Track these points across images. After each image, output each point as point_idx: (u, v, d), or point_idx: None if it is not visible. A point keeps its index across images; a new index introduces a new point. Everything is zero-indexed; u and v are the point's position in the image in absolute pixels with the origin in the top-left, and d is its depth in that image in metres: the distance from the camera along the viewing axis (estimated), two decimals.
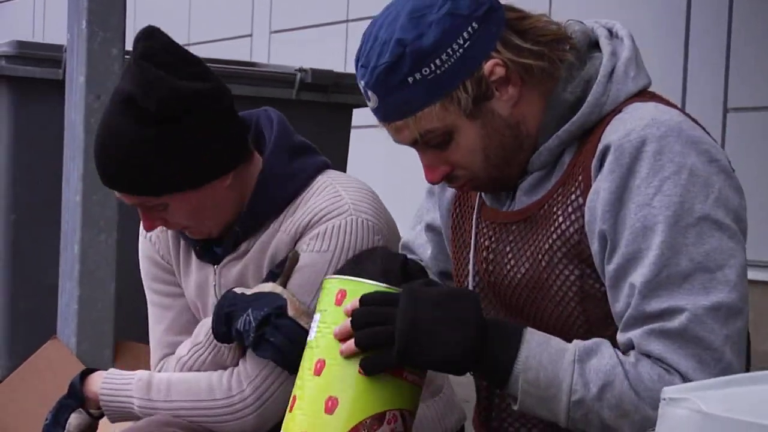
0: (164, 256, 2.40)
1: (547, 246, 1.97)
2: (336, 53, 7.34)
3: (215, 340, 2.24)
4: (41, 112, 4.02)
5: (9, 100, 4.01)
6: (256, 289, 2.21)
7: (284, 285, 2.20)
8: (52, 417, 2.32)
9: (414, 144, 1.99)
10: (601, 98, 1.96)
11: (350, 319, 1.85)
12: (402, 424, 1.87)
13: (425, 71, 1.90)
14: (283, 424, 1.90)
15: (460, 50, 1.91)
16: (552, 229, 1.97)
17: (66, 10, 3.75)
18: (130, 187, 2.19)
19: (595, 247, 1.91)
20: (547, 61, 1.95)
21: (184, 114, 2.14)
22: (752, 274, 4.24)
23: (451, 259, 2.25)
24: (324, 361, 1.87)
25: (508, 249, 2.04)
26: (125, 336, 3.76)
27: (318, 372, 1.87)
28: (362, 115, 4.27)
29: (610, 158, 1.88)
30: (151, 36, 2.19)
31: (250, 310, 2.15)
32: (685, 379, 1.80)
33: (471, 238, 2.12)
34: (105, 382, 2.31)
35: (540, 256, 1.98)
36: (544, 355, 1.85)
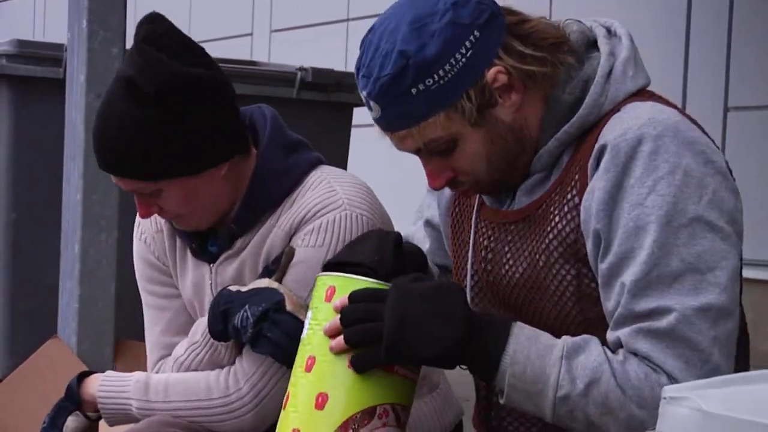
0: (160, 257, 2.40)
1: (544, 246, 1.98)
2: (336, 52, 7.34)
3: (212, 339, 2.24)
4: (41, 111, 4.02)
5: (9, 99, 4.01)
6: (251, 286, 2.20)
7: (280, 281, 2.19)
8: (49, 420, 2.31)
9: (417, 152, 1.99)
10: (599, 99, 1.96)
11: (339, 316, 1.85)
12: (394, 419, 1.87)
13: (428, 82, 1.90)
14: (278, 422, 1.91)
15: (463, 60, 1.90)
16: (549, 228, 1.97)
17: (66, 10, 3.75)
18: (126, 171, 2.19)
19: (589, 246, 1.91)
20: (549, 66, 1.94)
21: (184, 99, 2.14)
22: (752, 273, 4.25)
23: (448, 256, 2.26)
24: (314, 358, 1.87)
25: (506, 249, 2.05)
26: (126, 335, 3.76)
27: (309, 369, 1.88)
28: (363, 114, 4.27)
29: (606, 157, 1.88)
30: (154, 21, 2.20)
31: (247, 306, 2.15)
32: (671, 378, 1.80)
33: (470, 237, 2.13)
34: (102, 385, 2.30)
35: (537, 256, 1.98)
36: (532, 350, 1.85)
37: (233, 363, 2.25)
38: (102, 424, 2.36)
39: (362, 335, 1.83)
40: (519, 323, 1.88)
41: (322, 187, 2.25)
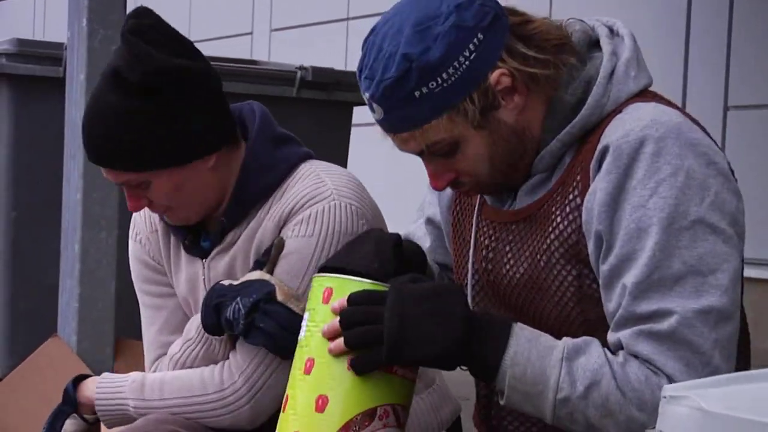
0: (154, 257, 2.41)
1: (545, 246, 1.97)
2: (337, 51, 7.34)
3: (206, 334, 2.24)
4: (42, 110, 4.02)
5: (9, 98, 4.01)
6: (243, 279, 2.21)
7: (271, 272, 2.20)
8: (48, 425, 2.33)
9: (420, 154, 1.99)
10: (602, 99, 1.95)
11: (338, 318, 1.85)
12: (394, 419, 1.87)
13: (432, 85, 1.90)
14: (278, 425, 1.91)
15: (467, 62, 1.90)
16: (550, 229, 1.97)
17: (66, 8, 3.75)
18: (115, 162, 2.20)
19: (591, 247, 1.91)
20: (552, 68, 1.94)
21: (171, 90, 2.15)
22: (752, 273, 4.25)
23: (449, 254, 2.26)
24: (313, 360, 1.87)
25: (507, 249, 2.04)
26: (126, 334, 3.75)
27: (308, 371, 1.87)
28: (363, 113, 4.27)
29: (608, 159, 1.88)
30: (141, 14, 2.21)
31: (238, 299, 2.15)
32: (671, 381, 1.79)
33: (471, 236, 2.12)
34: (99, 387, 2.31)
35: (538, 256, 1.98)
36: (532, 352, 1.85)
37: (228, 358, 2.25)
38: (104, 427, 2.36)
39: (362, 337, 1.83)
40: (519, 324, 1.88)
41: (311, 179, 2.25)
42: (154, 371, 2.36)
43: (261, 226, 2.26)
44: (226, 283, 2.22)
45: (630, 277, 1.84)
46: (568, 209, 1.95)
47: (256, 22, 8.54)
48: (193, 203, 2.26)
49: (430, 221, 2.32)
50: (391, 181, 6.54)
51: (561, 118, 1.97)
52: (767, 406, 1.37)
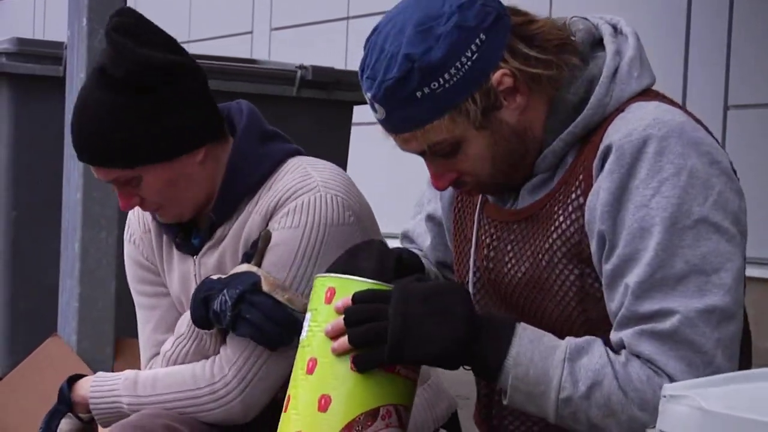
0: (148, 257, 2.43)
1: (547, 245, 1.97)
2: (337, 50, 7.34)
3: (197, 330, 2.25)
4: (42, 109, 4.02)
5: (9, 97, 4.01)
6: (231, 272, 2.23)
7: (259, 264, 2.22)
8: (45, 424, 2.34)
9: (422, 154, 1.99)
10: (604, 99, 1.95)
11: (342, 316, 1.84)
12: (397, 419, 1.86)
13: (434, 86, 1.89)
14: (279, 425, 1.90)
15: (469, 63, 1.89)
16: (552, 228, 1.97)
17: (66, 7, 3.75)
18: (103, 159, 2.22)
19: (593, 247, 1.91)
20: (554, 68, 1.93)
21: (155, 83, 2.18)
22: (752, 272, 4.25)
23: (450, 250, 2.26)
24: (316, 360, 1.87)
25: (509, 248, 2.04)
26: (125, 334, 3.75)
27: (310, 371, 1.87)
28: (363, 113, 4.27)
29: (611, 158, 1.87)
30: (123, 13, 2.24)
31: (225, 290, 2.17)
32: (673, 381, 1.79)
33: (472, 234, 2.12)
34: (94, 385, 2.32)
35: (540, 256, 1.98)
36: (535, 352, 1.85)
37: (219, 353, 2.26)
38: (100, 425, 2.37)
39: (366, 335, 1.83)
40: (523, 324, 1.88)
41: (298, 172, 2.27)
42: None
43: (249, 220, 2.28)
44: (215, 277, 2.23)
45: (633, 277, 1.84)
46: (570, 209, 1.95)
47: (256, 21, 8.54)
48: (183, 199, 2.28)
49: (430, 218, 2.32)
50: (392, 181, 6.54)
51: (563, 117, 1.97)
52: (767, 405, 1.37)
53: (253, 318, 2.15)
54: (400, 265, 1.94)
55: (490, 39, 1.90)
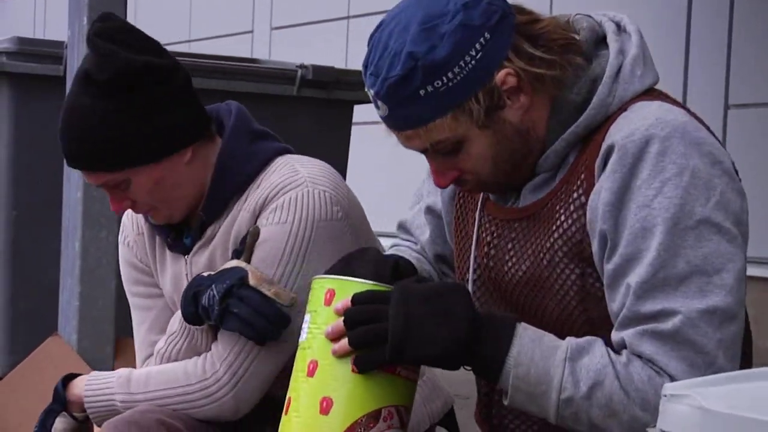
0: (142, 259, 2.45)
1: (548, 244, 1.97)
2: (337, 50, 7.34)
3: (188, 327, 2.27)
4: (42, 108, 4.02)
5: (9, 96, 4.01)
6: (220, 268, 2.24)
7: (248, 260, 2.24)
8: (40, 423, 2.36)
9: (424, 152, 1.98)
10: (607, 99, 1.94)
11: (342, 318, 1.84)
12: (398, 420, 1.86)
13: (437, 84, 1.89)
14: (280, 428, 1.90)
15: (473, 62, 1.89)
16: (554, 227, 1.97)
17: (67, 7, 3.75)
18: (91, 163, 2.25)
19: (595, 246, 1.90)
20: (558, 68, 1.93)
21: (138, 86, 2.20)
22: (753, 271, 4.24)
23: (448, 244, 2.25)
24: (317, 362, 1.86)
25: (510, 246, 2.04)
26: (126, 333, 3.75)
27: (311, 373, 1.87)
28: (363, 112, 4.27)
29: (613, 158, 1.87)
30: (106, 18, 2.29)
31: (213, 285, 2.19)
32: (674, 381, 1.78)
33: (473, 231, 2.12)
34: (88, 384, 2.34)
35: (541, 255, 1.98)
36: (536, 352, 1.84)
37: (211, 350, 2.28)
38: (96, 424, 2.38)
39: (367, 336, 1.83)
40: (523, 324, 1.88)
41: (286, 169, 2.29)
42: None
43: (238, 218, 2.29)
44: (205, 274, 2.25)
45: (634, 277, 1.84)
46: (572, 208, 1.94)
47: (257, 20, 8.54)
48: (173, 200, 2.30)
49: (429, 210, 2.31)
50: (392, 181, 6.53)
51: (566, 117, 1.97)
52: (767, 404, 1.37)
53: (241, 312, 2.16)
54: (396, 273, 1.93)
55: (495, 38, 1.90)
